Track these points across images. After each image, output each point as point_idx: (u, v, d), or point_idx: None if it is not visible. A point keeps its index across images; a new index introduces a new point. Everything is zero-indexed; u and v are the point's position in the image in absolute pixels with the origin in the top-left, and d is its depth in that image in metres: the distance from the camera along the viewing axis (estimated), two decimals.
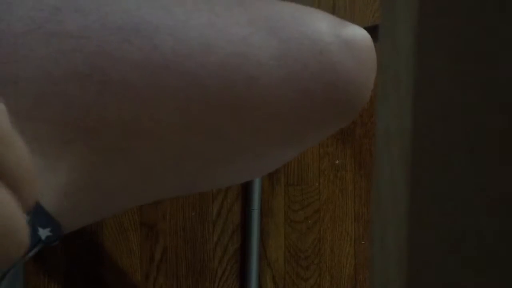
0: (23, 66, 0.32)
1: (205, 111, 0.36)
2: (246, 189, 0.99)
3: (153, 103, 0.35)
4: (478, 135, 0.14)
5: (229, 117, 0.37)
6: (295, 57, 0.37)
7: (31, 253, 0.36)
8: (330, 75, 0.38)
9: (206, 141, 0.37)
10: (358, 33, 0.41)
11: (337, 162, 1.03)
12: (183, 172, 0.39)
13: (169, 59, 0.34)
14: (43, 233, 0.35)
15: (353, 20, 0.43)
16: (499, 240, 0.15)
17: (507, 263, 0.15)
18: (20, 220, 0.20)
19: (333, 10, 1.01)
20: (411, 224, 0.15)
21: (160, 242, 0.97)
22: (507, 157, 0.14)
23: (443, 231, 0.15)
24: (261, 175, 0.47)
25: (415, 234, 0.15)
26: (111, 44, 0.33)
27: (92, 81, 0.33)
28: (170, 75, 0.34)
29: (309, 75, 0.38)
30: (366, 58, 0.40)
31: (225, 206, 0.99)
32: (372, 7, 1.03)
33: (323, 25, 0.39)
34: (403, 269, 0.15)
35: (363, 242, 1.04)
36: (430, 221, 0.15)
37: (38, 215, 0.35)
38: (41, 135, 0.33)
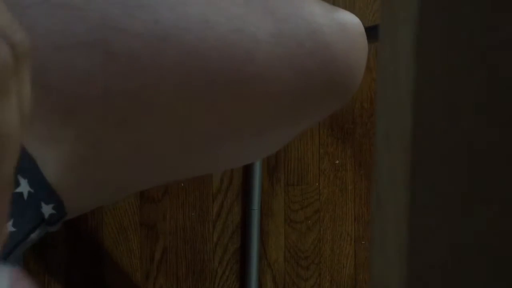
0: (29, 35, 0.33)
1: (205, 84, 0.36)
2: (246, 189, 0.99)
3: (156, 74, 0.35)
4: (478, 135, 0.14)
5: (228, 91, 0.37)
6: (291, 35, 0.38)
7: (34, 234, 0.36)
8: (324, 54, 0.39)
9: (205, 115, 0.38)
10: (349, 18, 0.42)
11: (337, 162, 1.03)
12: (184, 149, 0.40)
13: (169, 33, 0.35)
14: (46, 210, 0.36)
15: None
16: (499, 241, 0.15)
17: (508, 263, 0.15)
18: None
19: None
20: (411, 224, 0.15)
21: (160, 242, 0.97)
22: (507, 157, 0.14)
23: (443, 232, 0.15)
24: (259, 157, 0.48)
25: (415, 234, 0.15)
26: (114, 17, 0.34)
27: (96, 51, 0.34)
28: (171, 47, 0.35)
29: (304, 53, 0.38)
30: (358, 40, 0.41)
31: (225, 206, 0.99)
32: (372, 7, 1.03)
33: (317, 8, 0.40)
34: (402, 269, 0.15)
35: (363, 242, 1.04)
36: (430, 221, 0.15)
37: (41, 188, 0.35)
38: (45, 102, 0.34)
